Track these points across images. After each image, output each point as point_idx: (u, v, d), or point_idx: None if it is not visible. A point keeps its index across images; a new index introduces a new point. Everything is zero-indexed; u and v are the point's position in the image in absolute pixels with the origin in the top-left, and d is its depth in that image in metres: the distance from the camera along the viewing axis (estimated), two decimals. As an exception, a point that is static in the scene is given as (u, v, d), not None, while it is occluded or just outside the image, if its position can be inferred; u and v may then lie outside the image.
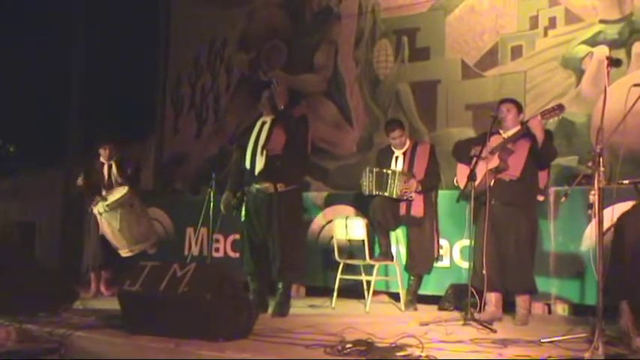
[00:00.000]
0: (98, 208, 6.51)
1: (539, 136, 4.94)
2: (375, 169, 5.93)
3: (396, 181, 5.77)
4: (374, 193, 5.85)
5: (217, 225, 5.83)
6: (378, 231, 5.96)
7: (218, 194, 5.73)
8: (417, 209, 5.85)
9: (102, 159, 7.00)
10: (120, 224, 6.45)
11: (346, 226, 6.07)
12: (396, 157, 6.04)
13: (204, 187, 6.21)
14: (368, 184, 5.90)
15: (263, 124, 5.41)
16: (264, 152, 5.26)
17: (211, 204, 5.83)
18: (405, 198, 5.81)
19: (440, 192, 6.08)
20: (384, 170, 5.88)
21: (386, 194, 5.79)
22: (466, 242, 5.75)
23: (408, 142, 6.09)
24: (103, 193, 6.77)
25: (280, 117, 5.36)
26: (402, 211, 5.87)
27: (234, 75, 9.51)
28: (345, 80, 8.50)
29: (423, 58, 7.91)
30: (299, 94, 8.32)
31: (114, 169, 6.96)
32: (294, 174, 5.38)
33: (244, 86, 9.34)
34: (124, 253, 6.55)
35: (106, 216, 6.48)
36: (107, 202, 6.49)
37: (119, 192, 6.65)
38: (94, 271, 6.90)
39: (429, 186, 5.92)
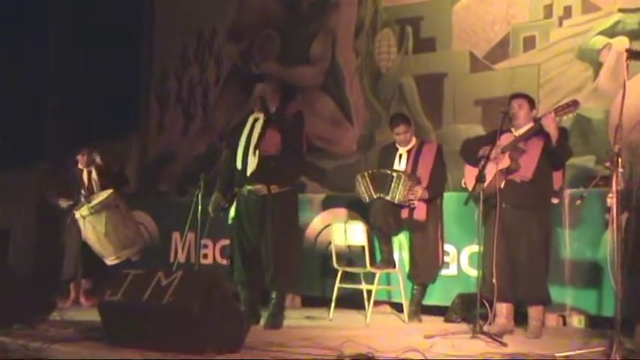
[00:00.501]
0: (81, 212, 6.50)
1: (553, 134, 4.93)
2: (367, 172, 5.94)
3: (400, 186, 5.75)
4: (374, 196, 5.85)
5: (206, 229, 5.83)
6: (380, 236, 5.96)
7: (207, 196, 5.73)
8: (420, 212, 5.84)
9: (80, 165, 7.05)
10: (105, 227, 6.45)
11: (345, 231, 6.06)
12: (400, 155, 6.03)
13: (192, 189, 6.21)
14: (365, 190, 5.89)
15: (255, 120, 5.41)
16: (257, 152, 5.26)
17: (199, 207, 5.83)
18: (407, 205, 5.81)
19: (446, 194, 6.09)
20: (387, 171, 5.85)
21: (387, 198, 5.78)
22: (475, 248, 5.76)
23: (414, 140, 6.07)
24: (82, 199, 6.77)
25: (274, 113, 5.36)
26: (404, 214, 5.87)
27: (224, 67, 9.53)
28: (343, 73, 8.51)
29: (429, 50, 7.93)
30: (294, 89, 8.32)
31: (94, 175, 6.99)
32: (288, 175, 5.38)
33: (235, 79, 9.35)
34: (111, 260, 6.51)
35: (91, 219, 6.46)
36: (91, 205, 6.49)
37: (103, 194, 6.67)
38: (75, 281, 6.89)
39: (436, 193, 5.91)
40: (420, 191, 5.79)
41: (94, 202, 6.55)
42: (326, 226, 6.87)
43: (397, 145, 6.08)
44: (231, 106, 9.08)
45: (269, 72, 8.66)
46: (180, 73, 9.90)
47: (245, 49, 9.31)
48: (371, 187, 5.87)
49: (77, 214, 6.55)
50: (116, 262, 6.51)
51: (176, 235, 7.74)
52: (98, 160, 7.04)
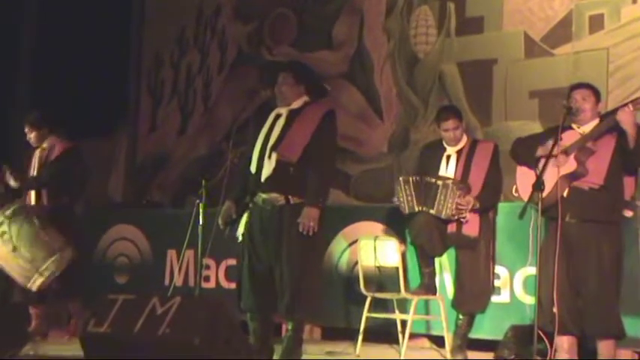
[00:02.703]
0: None
1: (631, 132, 4.90)
2: (412, 179, 5.85)
3: (448, 197, 5.66)
4: (416, 209, 5.78)
5: (208, 247, 5.85)
6: (420, 256, 5.90)
7: (209, 207, 5.75)
8: (471, 227, 5.76)
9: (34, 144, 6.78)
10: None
11: (375, 250, 6.07)
12: (448, 157, 5.94)
13: (191, 198, 6.21)
14: (407, 199, 5.82)
15: (277, 117, 5.41)
16: (273, 154, 5.26)
17: (200, 219, 5.85)
18: (456, 219, 5.76)
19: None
20: (429, 179, 5.77)
21: (432, 212, 5.72)
22: (531, 271, 5.74)
23: (465, 138, 6.00)
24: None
25: (297, 110, 5.37)
26: (451, 228, 5.80)
27: (230, 52, 9.56)
28: (372, 59, 8.53)
29: (475, 31, 7.94)
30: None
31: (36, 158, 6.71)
32: (311, 187, 5.33)
33: (242, 67, 9.38)
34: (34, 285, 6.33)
35: None
36: None
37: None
38: (34, 304, 6.76)
39: (489, 204, 5.85)
40: (471, 202, 5.72)
41: None
42: (351, 244, 6.87)
43: (445, 145, 6.02)
44: (237, 99, 9.11)
45: (285, 58, 8.65)
46: (176, 60, 9.95)
47: (254, 31, 9.35)
48: (414, 197, 5.80)
49: None
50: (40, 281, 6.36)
51: (172, 254, 7.76)
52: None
